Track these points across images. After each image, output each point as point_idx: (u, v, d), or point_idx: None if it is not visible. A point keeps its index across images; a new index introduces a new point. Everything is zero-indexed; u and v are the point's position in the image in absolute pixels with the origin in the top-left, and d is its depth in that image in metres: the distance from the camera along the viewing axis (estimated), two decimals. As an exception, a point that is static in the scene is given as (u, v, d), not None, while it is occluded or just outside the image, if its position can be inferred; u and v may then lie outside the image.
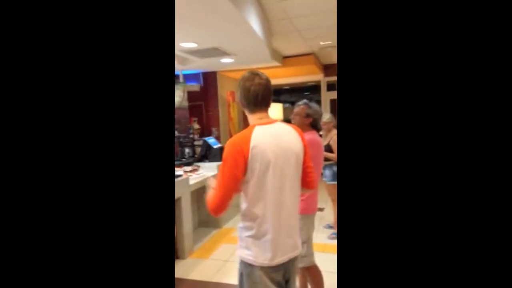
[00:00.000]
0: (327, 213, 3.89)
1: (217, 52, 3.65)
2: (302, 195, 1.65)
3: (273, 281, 1.16)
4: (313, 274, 1.89)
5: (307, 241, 1.80)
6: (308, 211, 1.80)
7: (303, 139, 1.23)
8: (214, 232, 3.60)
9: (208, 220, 3.72)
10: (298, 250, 1.23)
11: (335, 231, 3.23)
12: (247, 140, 1.10)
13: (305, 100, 1.91)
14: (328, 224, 3.54)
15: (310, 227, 1.86)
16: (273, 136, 1.14)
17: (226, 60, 4.25)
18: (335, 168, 3.06)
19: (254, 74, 1.19)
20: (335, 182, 3.06)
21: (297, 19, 3.35)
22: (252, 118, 1.20)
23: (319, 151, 1.87)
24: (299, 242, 1.24)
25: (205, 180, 3.18)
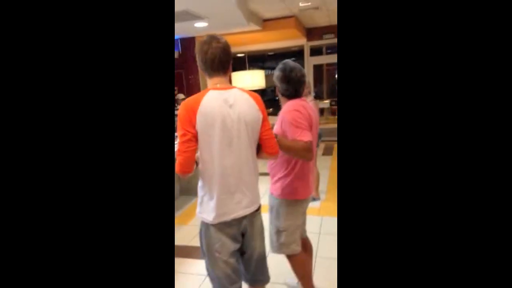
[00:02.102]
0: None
1: (188, 15, 3.49)
2: (278, 177, 1.58)
3: (227, 235, 1.23)
4: (293, 263, 1.68)
5: (286, 229, 1.60)
6: (288, 196, 1.56)
7: (261, 107, 1.23)
8: (195, 200, 3.66)
9: (190, 188, 3.76)
10: (253, 207, 1.27)
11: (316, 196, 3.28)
12: (198, 101, 1.13)
13: (279, 66, 1.54)
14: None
15: (292, 215, 1.60)
16: (224, 101, 1.16)
17: (200, 24, 4.07)
18: None
19: (212, 37, 1.19)
20: None
21: (271, -23, 3.18)
22: (210, 82, 1.23)
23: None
24: (255, 199, 1.28)
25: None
